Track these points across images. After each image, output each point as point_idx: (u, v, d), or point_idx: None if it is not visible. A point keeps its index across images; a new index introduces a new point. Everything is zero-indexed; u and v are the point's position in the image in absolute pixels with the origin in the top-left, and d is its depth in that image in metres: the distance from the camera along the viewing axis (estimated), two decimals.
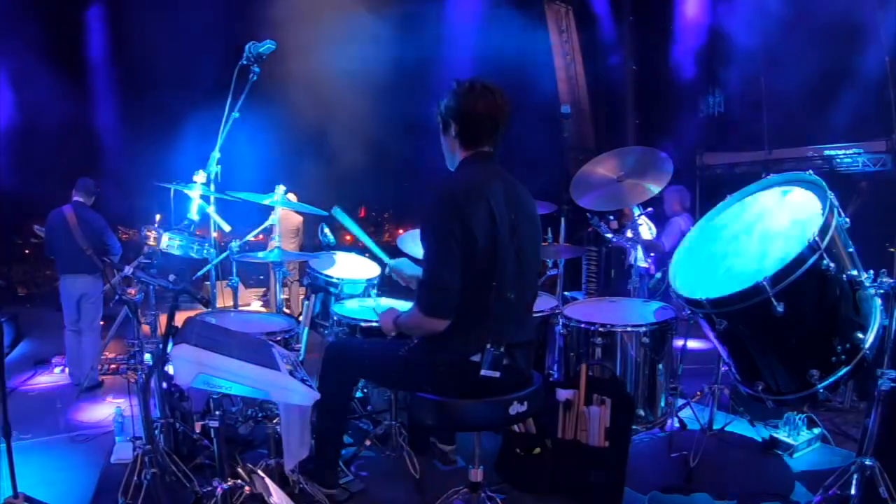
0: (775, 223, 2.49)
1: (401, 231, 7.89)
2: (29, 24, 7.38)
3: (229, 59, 3.25)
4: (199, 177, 3.22)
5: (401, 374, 2.21)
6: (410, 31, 7.77)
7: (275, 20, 6.53)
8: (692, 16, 8.02)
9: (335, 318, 3.31)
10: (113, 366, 4.85)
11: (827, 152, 6.93)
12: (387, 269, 2.43)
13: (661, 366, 3.30)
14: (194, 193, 3.22)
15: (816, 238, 2.13)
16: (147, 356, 2.82)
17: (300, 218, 6.95)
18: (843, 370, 2.24)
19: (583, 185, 3.66)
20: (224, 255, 3.33)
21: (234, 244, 3.31)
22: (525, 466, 2.83)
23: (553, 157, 9.16)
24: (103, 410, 3.90)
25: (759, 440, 3.29)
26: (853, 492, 2.28)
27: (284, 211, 3.60)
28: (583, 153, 8.78)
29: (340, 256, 3.87)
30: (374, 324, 2.92)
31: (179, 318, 2.03)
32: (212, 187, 3.29)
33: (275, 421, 2.65)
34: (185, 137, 6.28)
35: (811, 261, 2.13)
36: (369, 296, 3.65)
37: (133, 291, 2.48)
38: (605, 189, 3.65)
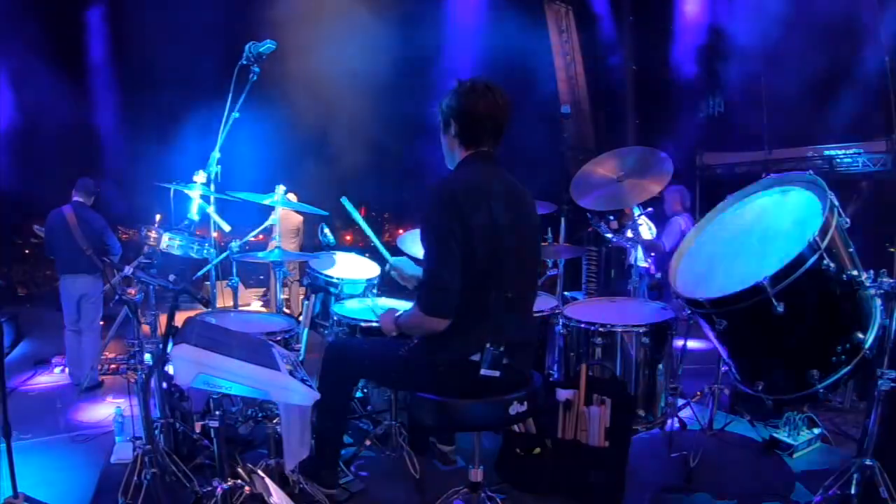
0: (775, 223, 2.50)
1: (401, 231, 7.88)
2: (29, 24, 7.38)
3: (229, 59, 3.25)
4: (199, 177, 3.22)
5: (401, 373, 2.21)
6: (410, 31, 7.77)
7: (275, 20, 6.53)
8: (692, 16, 8.02)
9: (335, 318, 3.31)
10: (113, 366, 4.85)
11: (827, 152, 6.93)
12: (387, 267, 2.42)
13: (661, 366, 3.30)
14: (194, 193, 3.22)
15: (816, 238, 2.13)
16: (147, 356, 2.81)
17: (300, 218, 6.95)
18: (843, 370, 2.23)
19: (583, 185, 3.66)
20: (224, 255, 3.33)
21: (234, 244, 3.31)
22: (525, 466, 2.83)
23: (553, 157, 9.16)
24: (103, 410, 3.90)
25: (759, 440, 3.29)
26: (853, 492, 2.28)
27: (284, 211, 3.60)
28: (583, 153, 8.79)
29: (340, 256, 3.87)
30: (374, 324, 2.92)
31: (179, 318, 2.03)
32: (212, 187, 3.29)
33: (275, 421, 2.65)
34: (185, 137, 6.28)
35: (811, 261, 2.13)
36: (369, 296, 3.65)
37: (133, 291, 2.48)
38: (605, 189, 3.65)
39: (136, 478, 2.47)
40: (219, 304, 3.85)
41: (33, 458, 3.14)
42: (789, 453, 3.13)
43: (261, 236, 6.00)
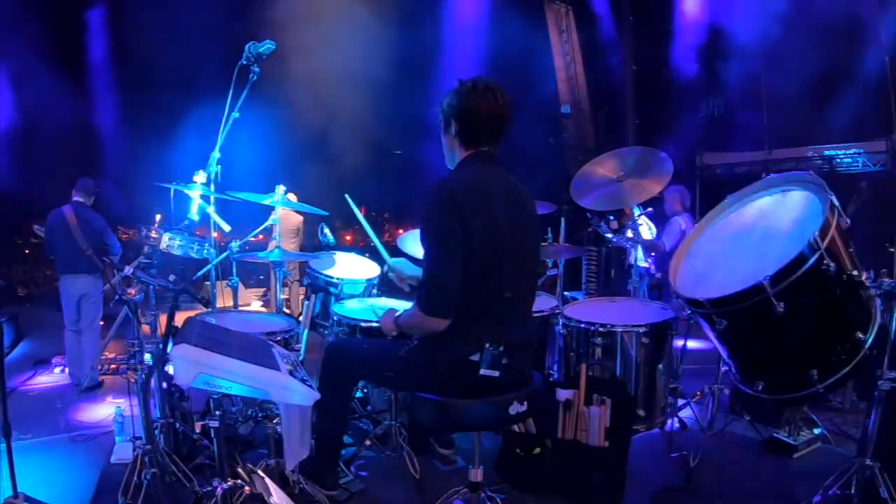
0: (775, 223, 2.50)
1: (401, 231, 7.88)
2: (29, 25, 7.38)
3: (229, 59, 3.25)
4: (199, 177, 3.22)
5: (400, 374, 2.21)
6: (410, 31, 7.77)
7: (275, 20, 6.53)
8: (692, 15, 8.02)
9: (335, 318, 3.31)
10: (113, 366, 4.85)
11: (827, 152, 6.94)
12: (385, 268, 2.42)
13: (661, 366, 3.30)
14: (194, 193, 3.22)
15: (816, 238, 2.13)
16: (147, 356, 2.82)
17: (300, 218, 6.95)
18: (843, 370, 2.23)
19: (583, 185, 3.66)
20: (224, 255, 3.34)
21: (234, 244, 3.32)
22: (525, 466, 2.83)
23: (553, 157, 9.17)
24: (103, 410, 3.90)
25: (759, 440, 3.29)
26: (853, 492, 2.28)
27: (284, 211, 3.60)
28: (583, 153, 8.79)
29: (340, 256, 3.87)
30: (374, 324, 2.92)
31: (179, 318, 2.03)
32: (212, 187, 3.29)
33: (275, 421, 2.65)
34: (185, 137, 6.28)
35: (811, 261, 2.13)
36: (369, 296, 3.65)
37: (133, 291, 2.48)
38: (605, 189, 3.65)
39: (136, 478, 2.47)
40: (219, 304, 3.85)
41: (33, 458, 3.14)
42: (789, 453, 3.13)
43: (261, 236, 6.00)
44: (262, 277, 9.23)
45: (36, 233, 4.92)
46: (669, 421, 3.37)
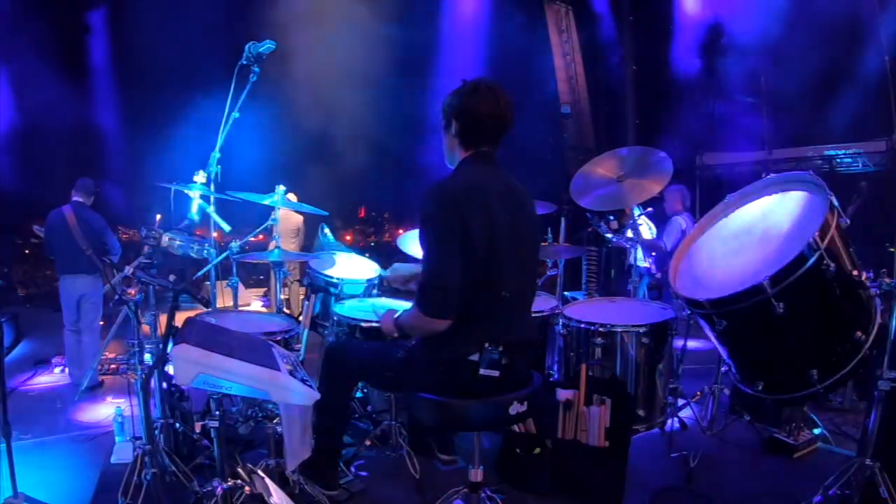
0: (775, 223, 2.50)
1: (401, 231, 7.88)
2: (30, 25, 7.38)
3: (230, 60, 3.26)
4: (200, 177, 3.22)
5: (400, 374, 2.21)
6: (411, 31, 7.77)
7: (275, 20, 6.54)
8: (692, 15, 8.01)
9: (335, 318, 3.31)
10: (113, 366, 4.85)
11: (827, 152, 6.92)
12: (385, 283, 2.42)
13: (661, 366, 3.30)
14: (194, 193, 3.22)
15: (816, 238, 2.14)
16: (147, 356, 2.82)
17: (300, 218, 6.95)
18: (843, 370, 2.23)
19: (583, 185, 3.66)
20: (224, 255, 3.34)
21: (234, 244, 3.32)
22: (525, 466, 2.83)
23: (553, 157, 9.18)
24: (103, 410, 3.90)
25: (759, 440, 3.29)
26: (853, 492, 2.28)
27: (284, 211, 3.60)
28: (583, 153, 8.77)
29: (340, 256, 3.87)
30: (375, 324, 2.92)
31: (179, 318, 2.03)
32: (212, 187, 3.29)
33: (275, 421, 2.65)
34: (185, 137, 6.28)
35: (811, 261, 2.13)
36: (370, 296, 3.65)
37: (133, 291, 2.48)
38: (605, 189, 3.65)
39: (136, 478, 2.47)
40: (219, 304, 3.85)
41: (33, 458, 3.14)
42: (789, 453, 3.13)
43: (261, 236, 6.00)
44: (262, 277, 9.23)
45: (36, 233, 4.92)
46: (669, 421, 3.37)
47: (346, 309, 3.30)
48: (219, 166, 3.31)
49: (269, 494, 2.11)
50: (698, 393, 3.72)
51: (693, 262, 2.72)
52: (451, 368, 2.02)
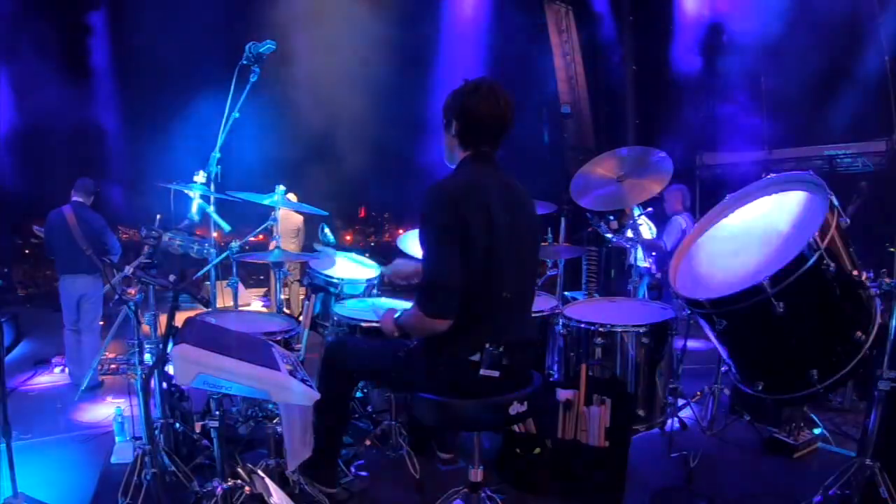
0: (775, 223, 2.50)
1: (401, 231, 7.89)
2: (31, 26, 7.39)
3: (230, 60, 3.26)
4: (200, 177, 3.22)
5: (400, 374, 2.21)
6: (411, 31, 7.77)
7: (275, 20, 6.54)
8: (692, 15, 8.01)
9: (335, 318, 3.31)
10: (113, 366, 4.85)
11: (827, 152, 6.92)
12: (385, 271, 2.42)
13: (661, 366, 3.30)
14: (194, 193, 3.22)
15: (816, 238, 2.13)
16: (147, 356, 2.82)
17: (300, 218, 6.95)
18: (843, 370, 2.23)
19: (583, 185, 3.66)
20: (224, 255, 3.34)
21: (234, 244, 3.31)
22: (525, 466, 2.83)
23: (553, 157, 9.18)
24: (103, 410, 3.90)
25: (759, 440, 3.29)
26: (853, 492, 2.28)
27: (285, 211, 3.60)
28: (583, 153, 8.77)
29: (340, 256, 3.87)
30: (375, 324, 2.92)
31: (179, 318, 2.03)
32: (212, 187, 3.29)
33: (275, 421, 2.65)
34: (185, 137, 6.28)
35: (811, 261, 2.13)
36: (370, 296, 3.65)
37: (133, 291, 2.48)
38: (605, 189, 3.65)
39: (136, 478, 2.47)
40: (219, 304, 3.85)
41: (33, 458, 3.14)
42: (789, 453, 3.13)
43: (261, 236, 6.00)
44: (262, 277, 9.23)
45: (36, 233, 4.92)
46: (669, 421, 3.37)
47: (346, 309, 3.31)
48: (219, 166, 3.31)
49: (269, 494, 2.11)
50: (698, 393, 3.72)
51: (693, 261, 2.72)
52: (452, 368, 2.02)
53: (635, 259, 4.14)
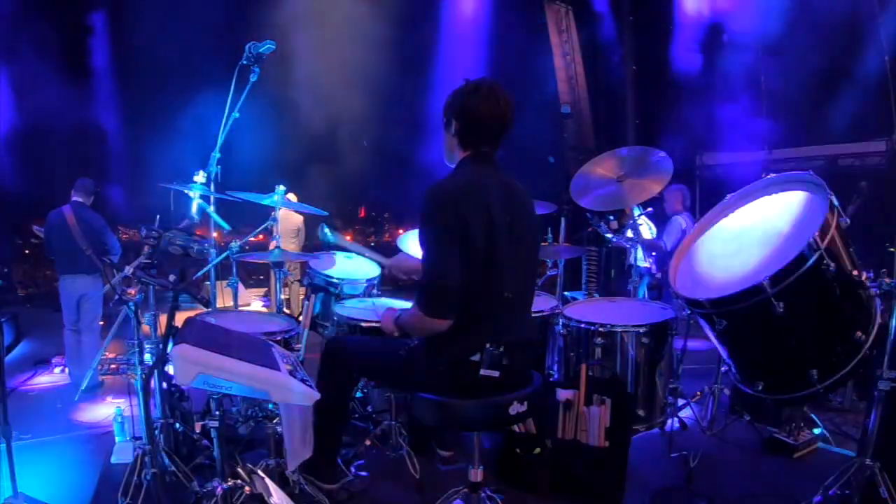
0: (775, 223, 2.50)
1: (401, 231, 7.89)
2: (31, 26, 7.39)
3: (230, 60, 3.26)
4: (200, 177, 3.23)
5: (400, 373, 2.21)
6: (410, 32, 7.78)
7: (275, 20, 6.54)
8: (692, 15, 8.02)
9: (335, 317, 3.31)
10: (113, 366, 4.85)
11: (827, 152, 6.92)
12: (386, 270, 2.42)
13: (661, 366, 3.30)
14: (194, 193, 3.22)
15: (816, 238, 2.13)
16: (147, 356, 2.82)
17: (300, 218, 6.95)
18: (843, 370, 2.23)
19: (583, 185, 3.66)
20: (224, 255, 3.34)
21: (234, 244, 3.31)
22: (525, 466, 2.83)
23: (553, 157, 9.18)
24: (103, 410, 3.90)
25: (759, 440, 3.29)
26: (853, 492, 2.28)
27: (285, 211, 3.60)
28: (583, 153, 8.77)
29: (340, 256, 3.87)
30: (375, 324, 2.92)
31: (179, 318, 2.03)
32: (212, 187, 3.29)
33: (275, 421, 2.64)
34: (185, 137, 6.29)
35: (811, 261, 2.13)
36: (370, 296, 3.65)
37: (133, 291, 2.48)
38: (605, 189, 3.65)
39: (136, 478, 2.47)
40: (219, 304, 3.85)
41: (33, 458, 3.14)
42: (789, 453, 3.13)
43: (261, 236, 6.00)
44: (262, 277, 9.23)
45: (36, 233, 4.92)
46: (669, 421, 3.37)
47: (347, 309, 3.31)
48: (219, 166, 3.31)
49: (269, 494, 2.11)
50: (698, 393, 3.72)
51: (693, 261, 2.72)
52: (452, 368, 2.02)
53: (635, 259, 4.14)
